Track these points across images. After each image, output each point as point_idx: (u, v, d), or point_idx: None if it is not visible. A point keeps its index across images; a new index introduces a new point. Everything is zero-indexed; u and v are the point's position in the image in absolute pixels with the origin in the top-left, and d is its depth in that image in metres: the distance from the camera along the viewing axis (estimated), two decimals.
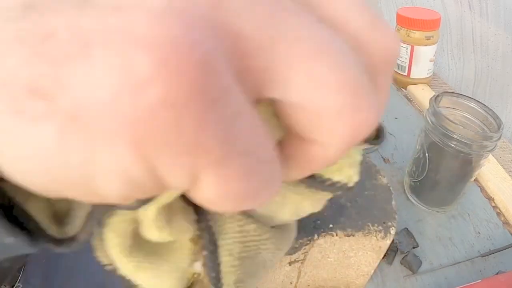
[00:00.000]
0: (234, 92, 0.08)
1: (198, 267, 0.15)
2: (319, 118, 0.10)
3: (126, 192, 0.09)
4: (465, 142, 0.38)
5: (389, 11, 1.01)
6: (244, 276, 0.15)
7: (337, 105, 0.09)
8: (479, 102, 0.41)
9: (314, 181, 0.13)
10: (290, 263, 0.29)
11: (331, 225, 0.28)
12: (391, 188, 0.31)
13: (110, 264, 0.14)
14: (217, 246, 0.14)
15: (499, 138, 0.38)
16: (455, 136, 0.38)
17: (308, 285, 0.33)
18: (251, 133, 0.09)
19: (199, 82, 0.07)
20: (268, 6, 0.09)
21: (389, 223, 0.29)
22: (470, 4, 0.68)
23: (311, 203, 0.15)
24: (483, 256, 0.41)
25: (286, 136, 0.11)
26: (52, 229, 0.12)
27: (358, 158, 0.14)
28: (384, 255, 0.37)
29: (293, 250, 0.27)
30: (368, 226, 0.28)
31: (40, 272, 0.53)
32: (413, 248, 0.42)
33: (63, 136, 0.08)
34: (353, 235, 0.28)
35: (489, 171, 0.51)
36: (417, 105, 0.69)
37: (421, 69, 0.70)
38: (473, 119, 0.41)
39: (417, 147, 0.45)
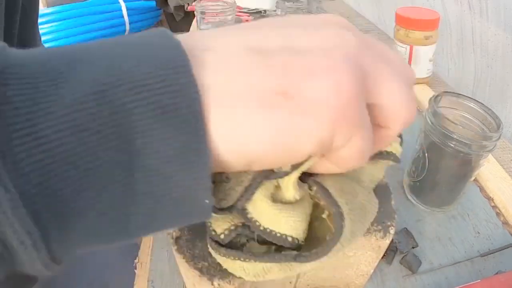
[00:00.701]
0: (364, 101, 0.17)
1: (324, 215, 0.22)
2: (392, 112, 0.19)
3: (314, 150, 0.16)
4: (464, 142, 0.38)
5: (388, 11, 1.01)
6: (353, 206, 0.22)
7: (402, 104, 0.19)
8: (479, 102, 0.41)
9: (379, 154, 0.24)
10: None
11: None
12: (390, 188, 0.31)
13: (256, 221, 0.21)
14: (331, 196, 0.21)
15: (499, 138, 0.38)
16: (455, 136, 0.38)
17: (308, 285, 0.33)
18: (368, 120, 0.18)
19: (359, 95, 0.17)
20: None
21: (389, 223, 0.29)
22: (470, 4, 0.68)
23: (378, 169, 0.25)
24: (482, 256, 0.41)
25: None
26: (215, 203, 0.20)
27: (398, 140, 0.25)
28: (384, 255, 0.37)
29: None
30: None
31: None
32: (413, 248, 0.41)
33: (291, 116, 0.15)
34: None
35: (489, 171, 0.51)
36: (416, 105, 0.68)
37: (421, 69, 0.70)
38: (472, 119, 0.41)
39: (417, 147, 0.45)
